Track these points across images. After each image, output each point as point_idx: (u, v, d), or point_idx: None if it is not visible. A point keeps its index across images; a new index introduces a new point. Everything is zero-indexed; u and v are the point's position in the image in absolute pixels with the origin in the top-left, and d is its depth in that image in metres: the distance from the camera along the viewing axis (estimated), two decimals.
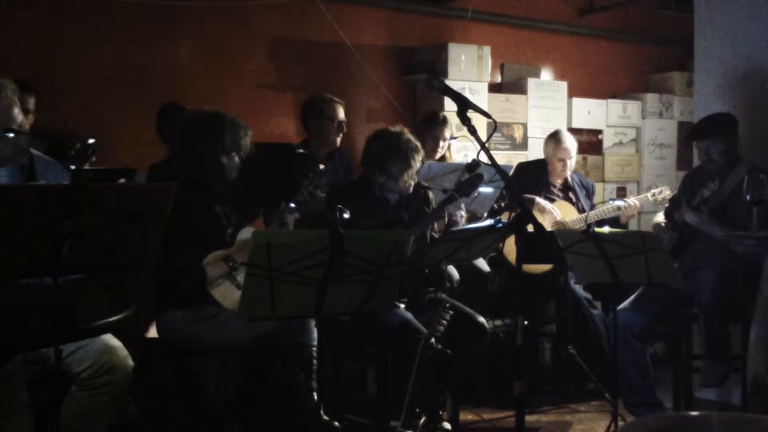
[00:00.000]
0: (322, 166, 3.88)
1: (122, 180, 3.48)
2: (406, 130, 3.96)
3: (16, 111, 2.78)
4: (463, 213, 4.45)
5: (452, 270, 4.26)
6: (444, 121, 5.10)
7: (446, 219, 4.26)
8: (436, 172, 4.50)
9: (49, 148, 3.41)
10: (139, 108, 5.01)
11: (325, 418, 3.12)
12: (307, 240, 2.60)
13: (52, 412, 2.75)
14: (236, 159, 3.47)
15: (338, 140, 4.85)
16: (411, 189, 3.94)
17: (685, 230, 4.21)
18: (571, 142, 5.15)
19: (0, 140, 2.74)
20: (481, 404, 4.61)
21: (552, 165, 5.16)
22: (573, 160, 5.18)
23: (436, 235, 4.03)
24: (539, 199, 5.02)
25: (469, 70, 5.94)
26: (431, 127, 5.05)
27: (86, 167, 3.88)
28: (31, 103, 3.99)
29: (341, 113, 4.82)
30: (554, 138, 5.17)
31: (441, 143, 5.06)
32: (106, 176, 3.89)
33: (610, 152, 6.83)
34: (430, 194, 4.15)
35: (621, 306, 4.19)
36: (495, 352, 4.40)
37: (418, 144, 3.92)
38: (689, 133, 4.47)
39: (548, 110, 6.44)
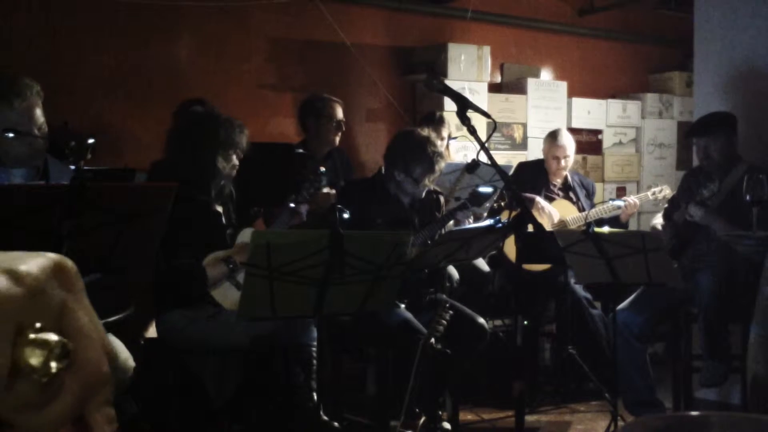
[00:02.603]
0: (323, 169, 3.89)
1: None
2: (433, 136, 4.01)
3: (38, 113, 2.77)
4: (471, 221, 4.47)
5: (452, 270, 4.26)
6: (441, 121, 5.11)
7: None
8: None
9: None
10: (139, 108, 5.00)
11: (325, 418, 3.12)
12: (306, 240, 2.60)
13: None
14: (234, 158, 3.47)
15: (337, 139, 4.87)
16: (424, 194, 3.97)
17: (684, 231, 4.21)
18: (567, 140, 5.15)
19: (15, 140, 2.73)
20: (480, 404, 4.60)
21: (548, 163, 5.18)
22: (570, 159, 5.18)
23: None
24: (539, 199, 5.02)
25: (468, 70, 5.94)
26: (428, 127, 5.05)
27: (83, 166, 3.86)
28: None
29: (339, 112, 4.84)
30: (551, 136, 5.20)
31: (438, 143, 5.05)
32: (107, 176, 3.89)
33: (610, 152, 6.82)
34: (442, 199, 4.17)
35: (621, 306, 4.19)
36: (495, 352, 4.40)
37: (443, 152, 3.97)
38: (689, 131, 4.48)
39: (548, 110, 6.43)
